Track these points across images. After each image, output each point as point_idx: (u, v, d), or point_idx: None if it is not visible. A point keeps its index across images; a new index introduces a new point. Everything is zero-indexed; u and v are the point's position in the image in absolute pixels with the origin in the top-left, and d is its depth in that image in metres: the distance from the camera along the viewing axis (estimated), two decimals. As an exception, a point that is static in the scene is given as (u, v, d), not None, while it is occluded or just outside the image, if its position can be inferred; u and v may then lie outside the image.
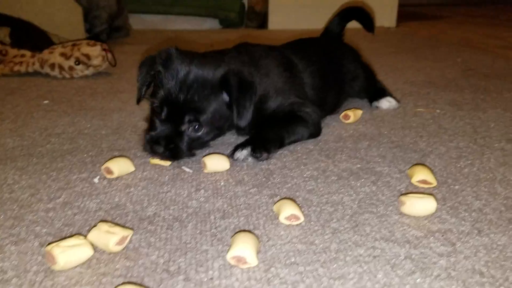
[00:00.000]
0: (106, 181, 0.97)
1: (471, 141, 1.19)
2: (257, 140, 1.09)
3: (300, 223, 0.80)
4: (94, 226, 0.74)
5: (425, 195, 0.83)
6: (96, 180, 0.97)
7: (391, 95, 1.52)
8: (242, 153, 1.05)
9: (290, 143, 1.16)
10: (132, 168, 1.00)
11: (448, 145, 1.17)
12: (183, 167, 1.03)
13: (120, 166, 0.97)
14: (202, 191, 0.93)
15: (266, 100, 1.17)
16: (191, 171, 1.02)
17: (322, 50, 1.44)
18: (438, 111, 1.46)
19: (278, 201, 0.84)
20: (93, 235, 0.72)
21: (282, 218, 0.79)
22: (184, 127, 1.03)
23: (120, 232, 0.71)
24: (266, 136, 1.11)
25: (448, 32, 3.39)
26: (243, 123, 1.03)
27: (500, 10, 4.88)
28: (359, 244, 0.74)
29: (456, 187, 0.94)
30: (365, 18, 1.59)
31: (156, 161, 1.04)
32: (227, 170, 1.02)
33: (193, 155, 1.07)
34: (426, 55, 2.44)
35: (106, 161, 1.00)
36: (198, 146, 1.08)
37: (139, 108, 1.40)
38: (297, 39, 1.49)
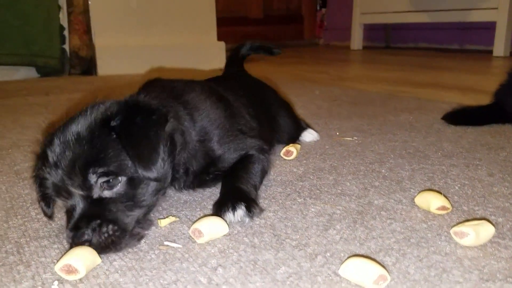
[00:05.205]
0: (70, 287, 0.62)
1: (421, 162, 1.18)
2: (239, 194, 0.87)
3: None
4: None
5: (479, 221, 0.75)
6: (55, 286, 0.61)
7: (311, 127, 1.46)
8: (238, 214, 0.81)
9: (260, 187, 0.99)
10: (98, 260, 0.67)
11: (407, 168, 1.14)
12: (166, 243, 0.74)
13: (85, 260, 0.64)
14: (220, 270, 0.67)
15: (208, 139, 0.98)
16: (179, 245, 0.74)
17: (245, 84, 1.32)
18: (355, 138, 1.45)
19: (345, 262, 0.65)
20: None
21: (370, 285, 0.61)
22: (96, 191, 0.74)
23: None
24: (243, 187, 0.90)
25: (279, 70, 3.57)
26: (151, 173, 0.74)
27: (298, 52, 5.45)
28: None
29: (465, 207, 0.89)
30: (264, 48, 1.57)
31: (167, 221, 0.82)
32: (224, 235, 0.77)
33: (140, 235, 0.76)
34: (283, 91, 2.48)
35: (61, 257, 0.65)
36: (136, 208, 0.76)
37: None
38: (211, 77, 1.38)
